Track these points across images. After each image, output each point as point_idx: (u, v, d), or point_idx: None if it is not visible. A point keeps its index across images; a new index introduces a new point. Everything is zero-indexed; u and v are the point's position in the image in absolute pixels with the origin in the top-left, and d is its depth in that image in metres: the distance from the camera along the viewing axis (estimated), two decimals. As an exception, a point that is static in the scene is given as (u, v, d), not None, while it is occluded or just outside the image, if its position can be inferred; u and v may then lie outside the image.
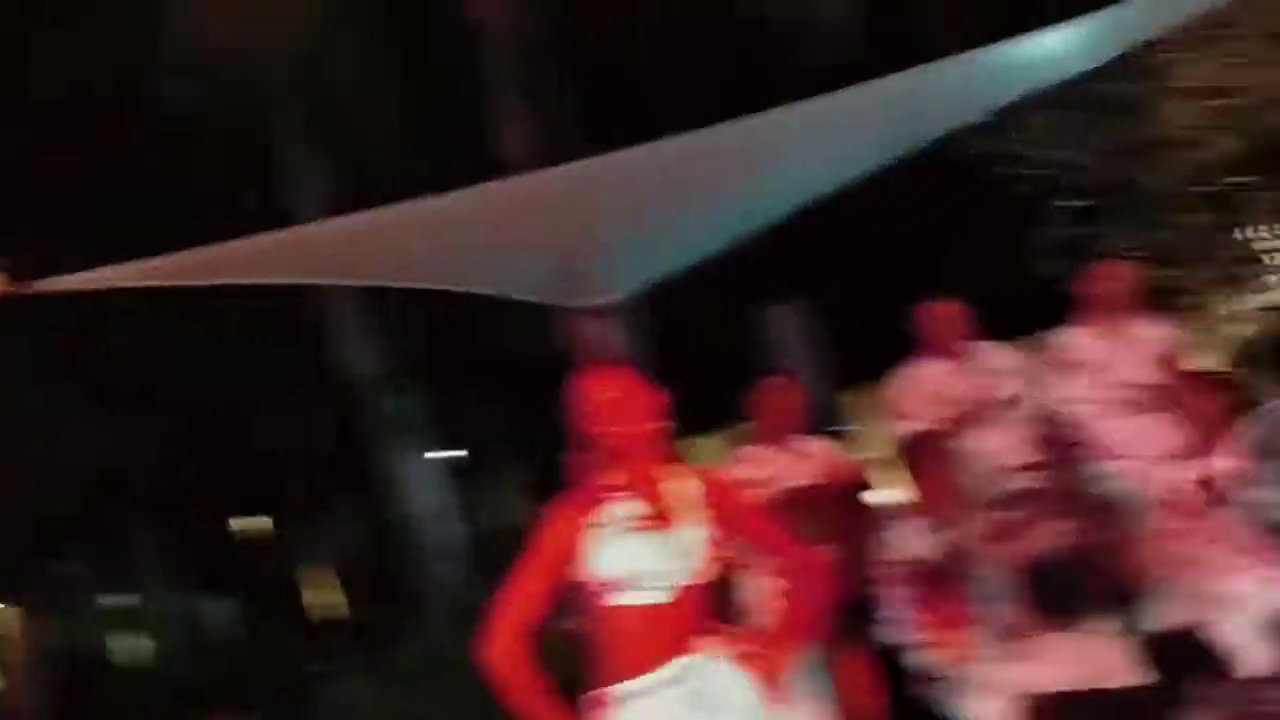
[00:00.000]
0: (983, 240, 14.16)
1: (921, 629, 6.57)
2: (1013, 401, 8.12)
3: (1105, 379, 8.04)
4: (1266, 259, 13.75)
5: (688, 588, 4.39)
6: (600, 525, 4.39)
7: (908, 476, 6.91)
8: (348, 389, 16.48)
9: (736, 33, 13.69)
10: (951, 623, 6.46)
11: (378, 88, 14.27)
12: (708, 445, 15.09)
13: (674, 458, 4.57)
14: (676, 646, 4.37)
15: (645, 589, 4.36)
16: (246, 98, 14.29)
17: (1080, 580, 7.26)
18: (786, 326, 11.10)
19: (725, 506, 4.51)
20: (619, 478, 4.44)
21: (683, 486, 4.47)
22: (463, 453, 18.54)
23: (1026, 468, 7.87)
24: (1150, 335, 8.17)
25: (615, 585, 4.36)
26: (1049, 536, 7.48)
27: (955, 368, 8.20)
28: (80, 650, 19.78)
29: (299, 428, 17.38)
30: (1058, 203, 13.73)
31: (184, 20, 13.33)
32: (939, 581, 6.49)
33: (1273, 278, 13.81)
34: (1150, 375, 7.94)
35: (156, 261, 7.69)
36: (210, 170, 14.48)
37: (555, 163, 11.75)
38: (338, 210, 10.20)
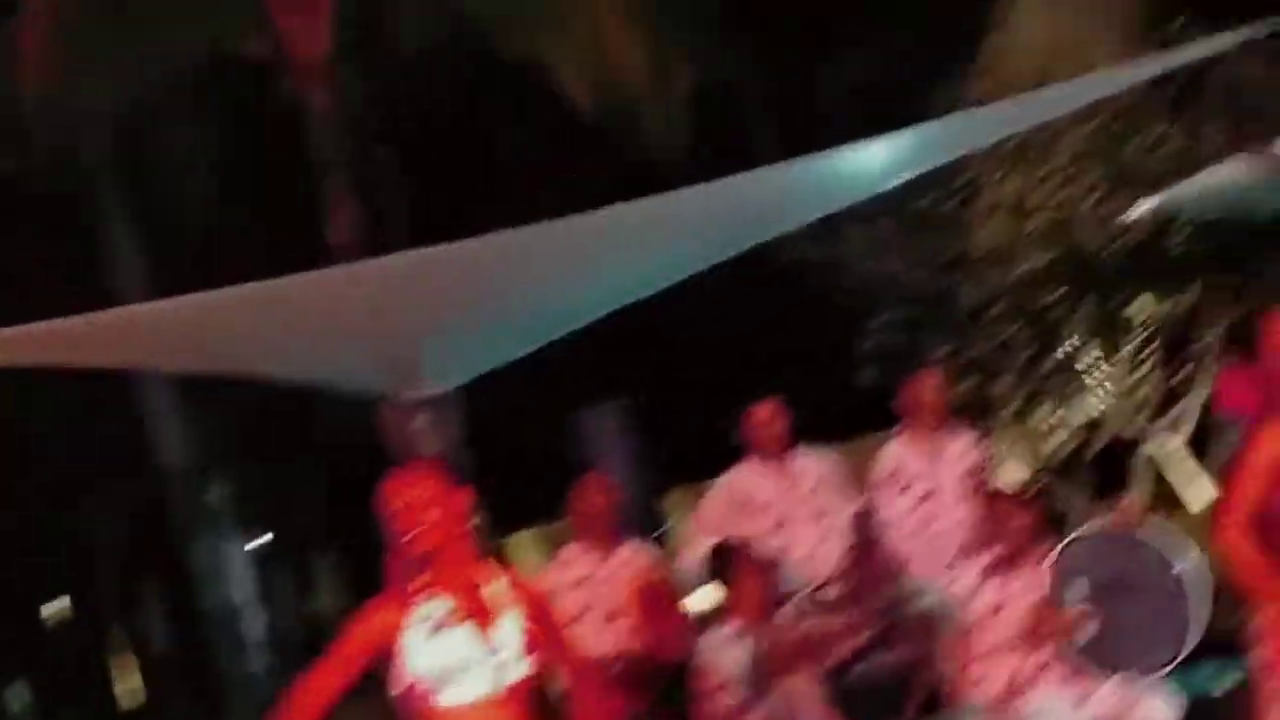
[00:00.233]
0: (805, 346, 14.34)
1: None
2: (827, 510, 8.18)
3: (918, 490, 8.13)
4: (1080, 373, 14.04)
5: (510, 686, 4.37)
6: (413, 625, 4.36)
7: (720, 583, 6.92)
8: (161, 474, 16.17)
9: (570, 129, 13.76)
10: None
11: (203, 168, 14.14)
12: (523, 541, 15.07)
13: (484, 557, 4.55)
14: None
15: (464, 686, 4.32)
16: (67, 174, 14.07)
17: (888, 692, 7.33)
18: (607, 426, 11.10)
19: (533, 607, 4.51)
20: (429, 578, 4.41)
21: (495, 585, 4.46)
22: (277, 540, 18.28)
23: (838, 578, 7.94)
24: (961, 448, 8.29)
25: (433, 684, 4.32)
26: (856, 648, 7.56)
27: (775, 472, 8.24)
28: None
29: (110, 512, 17.03)
30: (877, 312, 13.95)
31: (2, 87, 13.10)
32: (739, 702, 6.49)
33: (1085, 393, 14.10)
34: (962, 488, 8.05)
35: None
36: (26, 245, 14.22)
37: (382, 250, 11.76)
38: (159, 292, 10.03)
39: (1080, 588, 6.72)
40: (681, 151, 13.34)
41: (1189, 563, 6.72)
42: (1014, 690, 6.80)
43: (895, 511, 8.09)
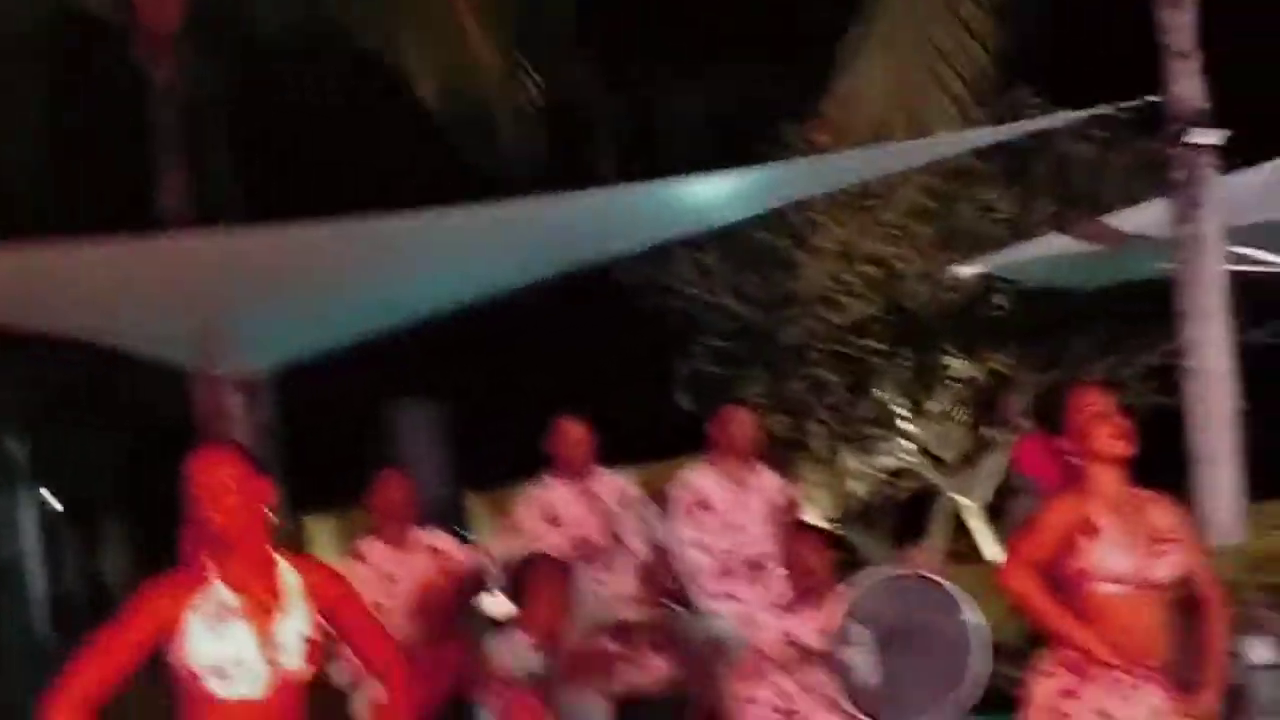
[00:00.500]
0: (627, 366, 14.42)
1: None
2: (629, 532, 8.24)
3: (720, 522, 8.23)
4: (890, 423, 14.27)
5: (282, 684, 4.32)
6: (196, 609, 4.30)
7: (518, 593, 6.95)
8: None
9: (416, 127, 13.71)
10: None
11: (31, 126, 13.80)
12: (324, 528, 14.95)
13: (279, 546, 4.50)
14: None
15: (235, 680, 4.27)
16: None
17: (670, 714, 7.41)
18: (418, 424, 11.06)
19: (328, 599, 4.46)
20: (221, 562, 4.35)
21: (286, 577, 4.41)
22: (72, 502, 17.92)
23: (632, 600, 8.00)
24: (768, 484, 8.40)
25: (208, 674, 4.26)
26: (646, 671, 7.63)
27: (579, 490, 8.29)
28: None
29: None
30: (701, 340, 14.08)
31: None
32: (531, 701, 6.52)
33: (892, 442, 14.33)
34: (764, 523, 8.17)
35: None
36: None
37: (211, 225, 11.62)
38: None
39: (867, 630, 6.85)
40: (525, 163, 13.37)
41: (974, 616, 6.89)
42: (786, 715, 6.91)
43: (694, 538, 8.18)
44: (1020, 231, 12.74)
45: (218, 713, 4.28)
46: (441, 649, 7.51)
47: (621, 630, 7.65)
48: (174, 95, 12.49)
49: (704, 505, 8.24)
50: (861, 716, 6.81)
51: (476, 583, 8.02)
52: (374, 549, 7.90)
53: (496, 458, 10.92)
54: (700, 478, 8.35)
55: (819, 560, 7.11)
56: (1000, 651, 6.99)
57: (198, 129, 12.95)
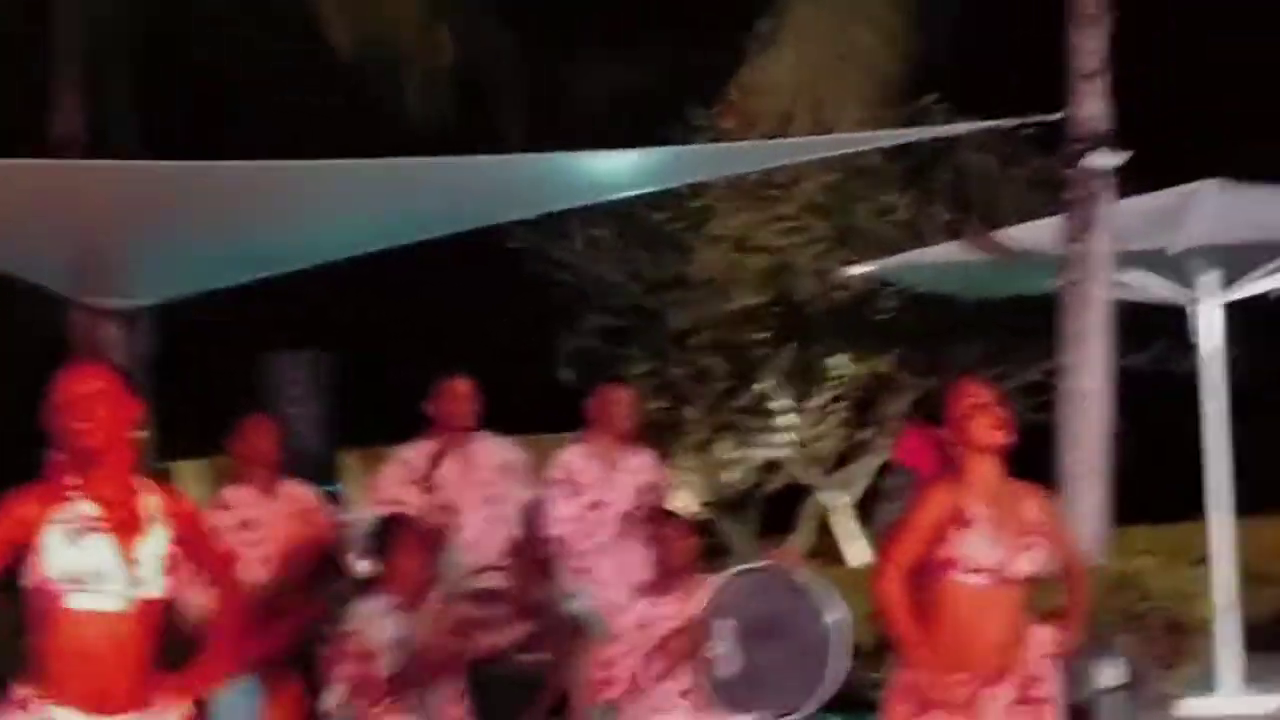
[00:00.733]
0: (513, 336, 14.37)
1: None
2: (500, 498, 8.21)
3: (588, 497, 8.23)
4: (768, 415, 14.33)
5: (144, 602, 4.28)
6: (56, 522, 4.25)
7: (382, 554, 6.90)
8: None
9: (327, 74, 13.55)
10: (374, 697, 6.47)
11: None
12: (190, 470, 14.76)
13: (144, 470, 4.47)
14: (125, 675, 4.27)
15: (96, 595, 4.23)
16: None
17: (524, 688, 7.40)
18: (297, 373, 10.94)
19: (184, 527, 4.44)
20: (83, 477, 4.31)
21: (147, 500, 4.38)
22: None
23: (495, 568, 7.97)
24: (639, 465, 8.41)
25: (65, 587, 4.22)
26: (502, 639, 7.60)
27: (452, 452, 8.22)
28: None
29: None
30: (588, 316, 14.05)
31: None
32: (379, 678, 6.48)
33: (769, 434, 14.39)
34: (631, 504, 8.17)
35: None
36: None
37: (106, 154, 11.42)
38: None
39: (729, 622, 6.89)
40: (432, 122, 13.27)
41: (836, 615, 6.94)
42: (643, 708, 6.93)
43: (563, 514, 8.16)
44: (915, 236, 12.84)
45: (73, 624, 4.23)
46: (295, 602, 7.47)
47: (480, 597, 7.62)
48: (76, 21, 12.29)
49: (573, 483, 8.24)
50: (719, 706, 6.85)
51: (338, 540, 7.96)
52: (238, 494, 7.82)
53: (375, 414, 10.83)
54: (572, 455, 8.35)
55: (685, 546, 7.14)
56: (858, 653, 7.07)
57: (99, 56, 12.73)
